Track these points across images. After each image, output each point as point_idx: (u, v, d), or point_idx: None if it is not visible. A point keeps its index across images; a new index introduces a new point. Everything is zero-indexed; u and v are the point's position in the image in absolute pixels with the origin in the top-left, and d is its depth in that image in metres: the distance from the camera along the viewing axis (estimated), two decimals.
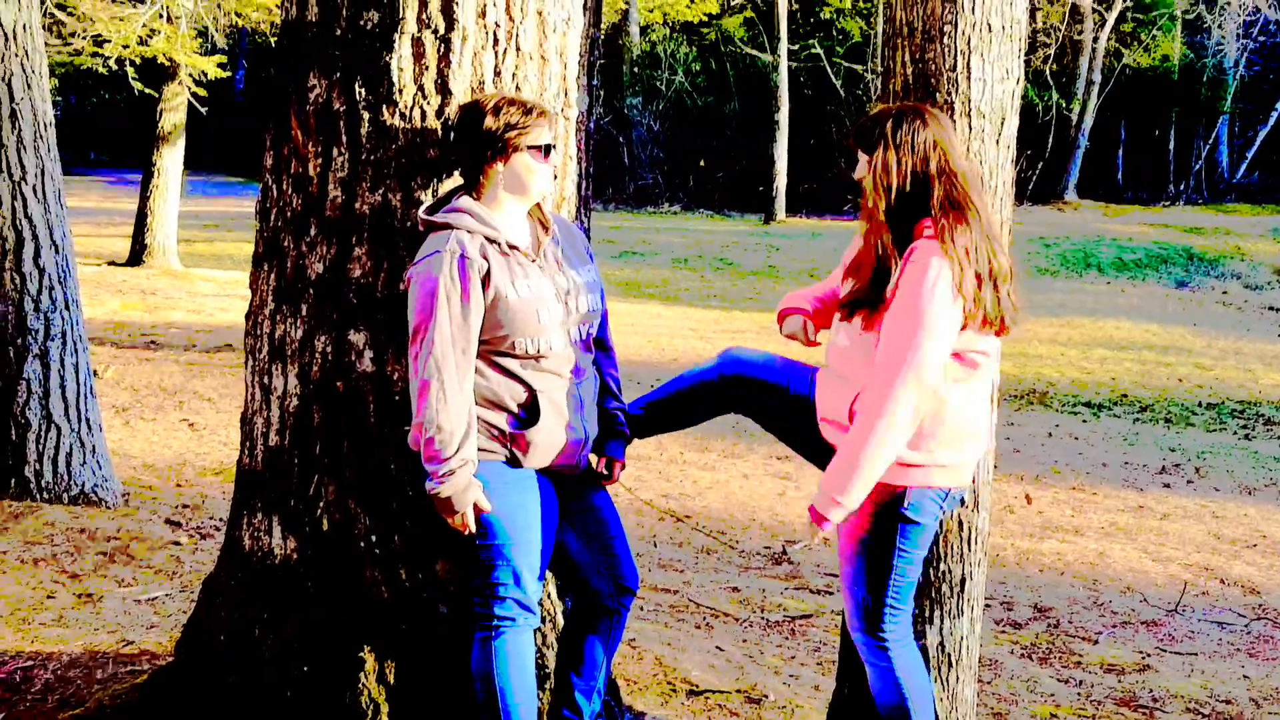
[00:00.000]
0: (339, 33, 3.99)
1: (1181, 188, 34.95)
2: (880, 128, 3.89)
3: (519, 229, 3.81)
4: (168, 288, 17.92)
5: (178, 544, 6.89)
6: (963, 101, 4.21)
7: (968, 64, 4.20)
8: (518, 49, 4.04)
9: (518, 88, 4.03)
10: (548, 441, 3.79)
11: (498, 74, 4.01)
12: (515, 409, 3.74)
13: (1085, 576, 7.93)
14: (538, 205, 3.87)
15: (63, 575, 6.17)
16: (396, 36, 3.93)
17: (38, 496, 7.34)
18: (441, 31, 3.94)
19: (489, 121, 3.70)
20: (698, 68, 35.85)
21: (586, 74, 4.34)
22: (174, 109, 19.40)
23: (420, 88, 3.94)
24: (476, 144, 3.73)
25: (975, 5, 4.19)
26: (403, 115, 3.93)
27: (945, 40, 4.19)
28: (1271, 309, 21.18)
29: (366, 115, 3.96)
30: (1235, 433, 12.66)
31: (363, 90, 3.96)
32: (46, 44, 11.11)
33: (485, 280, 3.65)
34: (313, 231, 4.06)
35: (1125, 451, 11.60)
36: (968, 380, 3.89)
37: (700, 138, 35.07)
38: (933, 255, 3.76)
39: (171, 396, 11.20)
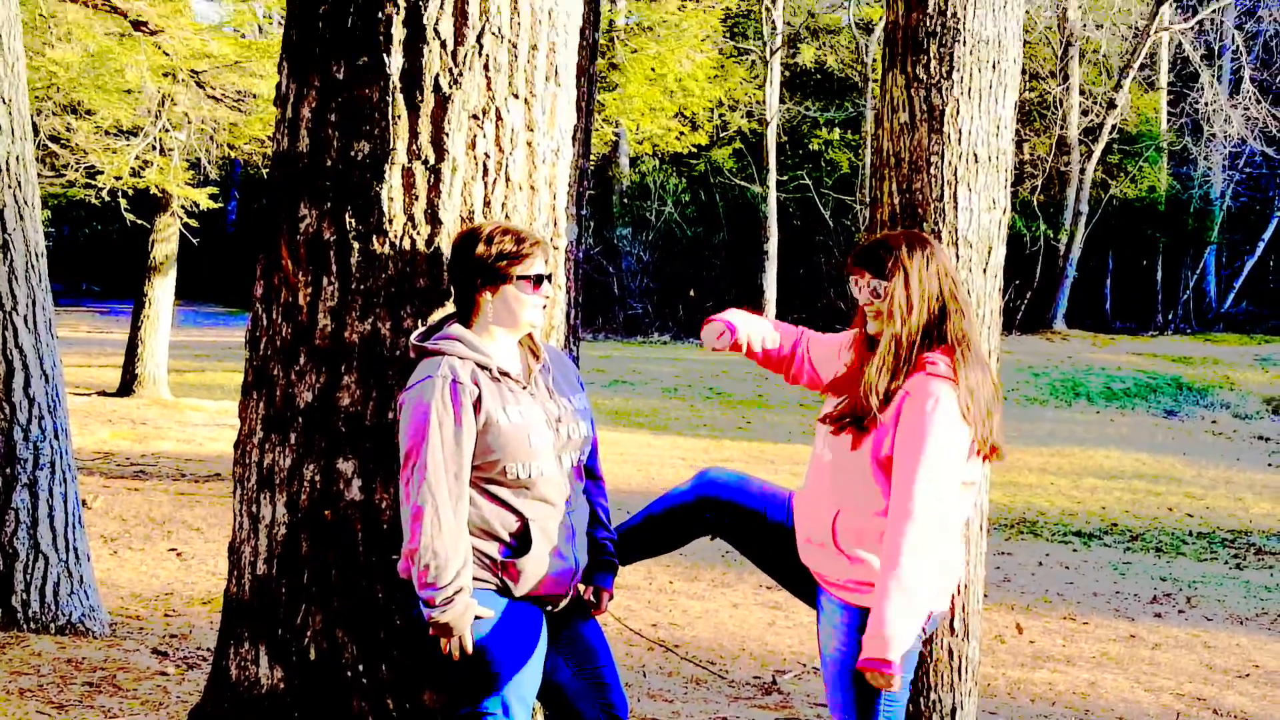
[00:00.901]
0: (330, 163, 4.04)
1: (1170, 317, 35.18)
2: (896, 254, 3.90)
3: (510, 356, 3.83)
4: (158, 417, 17.90)
5: (165, 674, 6.81)
6: (950, 231, 4.25)
7: (954, 194, 4.26)
8: (507, 179, 4.08)
9: (507, 217, 4.06)
10: (539, 570, 3.76)
11: (487, 204, 4.05)
12: (507, 537, 3.73)
13: (1077, 707, 7.84)
14: (528, 334, 3.89)
15: (49, 706, 6.08)
16: (387, 167, 3.97)
17: (25, 626, 7.27)
18: (432, 162, 3.98)
19: (481, 250, 3.73)
20: (687, 198, 36.20)
21: (575, 204, 4.39)
22: (166, 239, 19.55)
23: (410, 217, 3.97)
24: (469, 272, 3.76)
25: (961, 136, 4.25)
26: (393, 245, 3.96)
27: (932, 170, 4.25)
28: (1261, 438, 21.19)
29: (357, 245, 3.98)
30: (1226, 562, 12.60)
31: (353, 220, 3.99)
32: (40, 175, 11.20)
33: (476, 405, 3.65)
34: (302, 360, 4.06)
35: (1116, 581, 11.54)
36: (956, 506, 3.89)
37: (690, 267, 35.32)
38: (939, 386, 3.78)
39: (160, 526, 11.14)
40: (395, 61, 3.99)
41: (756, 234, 31.49)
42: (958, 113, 4.23)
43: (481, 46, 4.03)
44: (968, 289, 4.24)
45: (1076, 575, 11.69)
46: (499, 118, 4.05)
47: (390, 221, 3.97)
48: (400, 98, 3.98)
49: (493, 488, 3.71)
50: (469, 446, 3.64)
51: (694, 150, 31.75)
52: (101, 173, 17.61)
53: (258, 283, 4.28)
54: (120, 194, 18.27)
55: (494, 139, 4.05)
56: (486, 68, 4.04)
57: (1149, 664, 8.86)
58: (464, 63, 4.01)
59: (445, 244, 3.95)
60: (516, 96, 4.10)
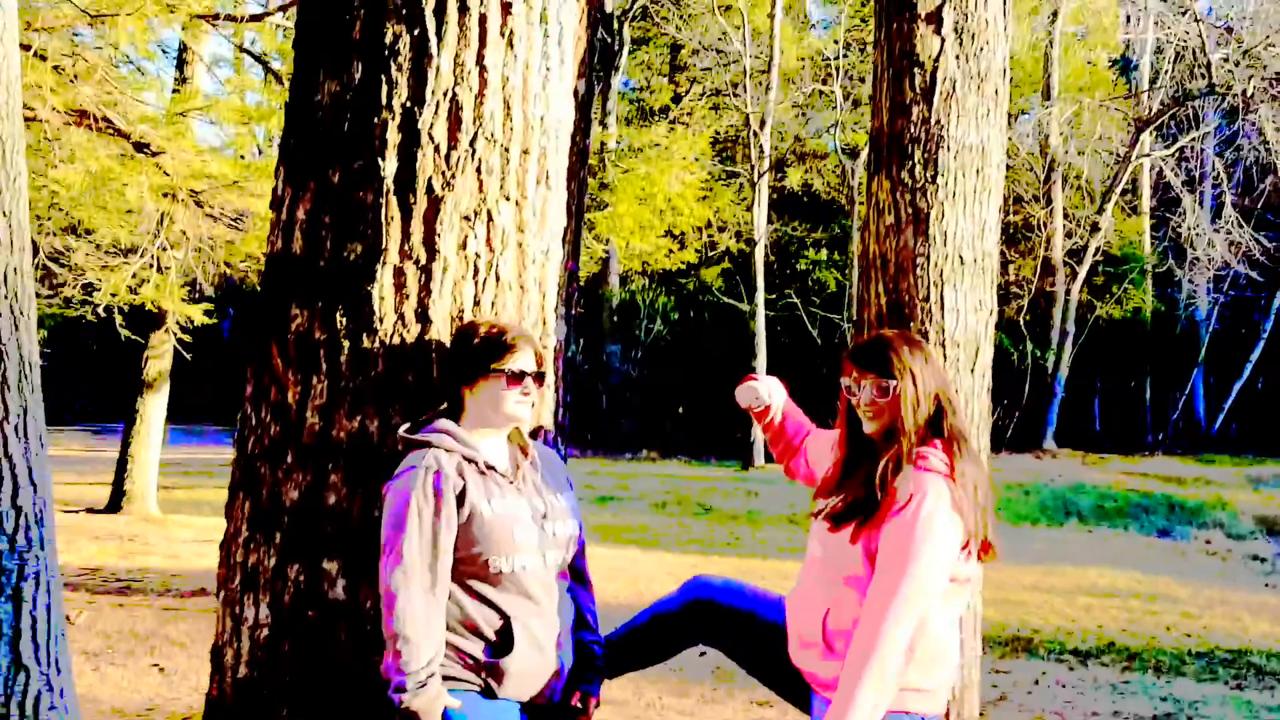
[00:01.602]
0: (323, 264, 4.06)
1: (1160, 437, 35.22)
2: (899, 354, 3.91)
3: (498, 451, 3.84)
4: (145, 533, 17.79)
5: None
6: (937, 331, 4.28)
7: (941, 295, 4.29)
8: (497, 279, 4.11)
9: (496, 316, 4.08)
10: (523, 670, 3.72)
11: (477, 303, 4.07)
12: (491, 635, 3.69)
13: None
14: (517, 430, 3.90)
15: None
16: (379, 267, 3.99)
17: None
18: (423, 262, 4.01)
19: (466, 345, 3.77)
20: (676, 316, 36.39)
21: (565, 304, 4.41)
22: (160, 356, 19.57)
23: (400, 316, 3.99)
24: (454, 367, 3.79)
25: (947, 239, 4.30)
26: (382, 343, 3.97)
27: (918, 272, 4.29)
28: (1256, 558, 21.09)
29: (347, 343, 4.00)
30: (1227, 682, 12.46)
31: (344, 319, 4.01)
32: (38, 294, 11.23)
33: (461, 498, 3.65)
34: (290, 459, 4.06)
35: (1115, 700, 11.41)
36: (947, 605, 3.87)
37: (678, 384, 35.40)
38: (930, 482, 3.77)
39: (143, 642, 11.02)
40: (390, 165, 4.03)
41: (745, 352, 31.58)
42: (943, 216, 4.28)
43: (474, 150, 4.08)
44: (955, 388, 4.26)
45: (1075, 694, 11.56)
46: (490, 219, 4.09)
47: (381, 320, 3.98)
48: (394, 200, 4.02)
49: (476, 584, 3.68)
50: (448, 539, 3.63)
51: (683, 267, 32.02)
52: (99, 289, 17.67)
53: (248, 383, 4.28)
54: (117, 310, 18.33)
55: (485, 239, 4.09)
56: (479, 171, 4.09)
57: None
58: (457, 166, 4.06)
59: (435, 342, 3.97)
60: (508, 199, 4.14)
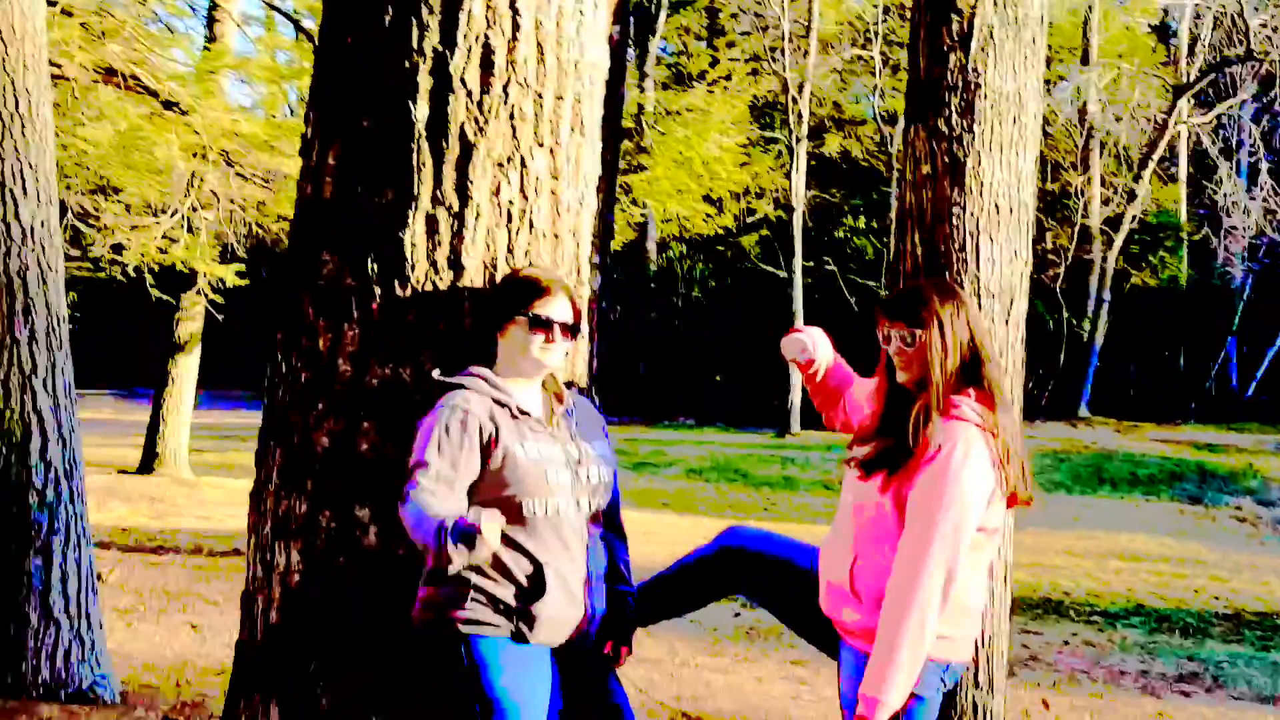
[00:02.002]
0: (353, 210, 4.04)
1: (1193, 405, 35.00)
2: (928, 303, 3.88)
3: (531, 398, 3.83)
4: (177, 495, 17.86)
5: None
6: (972, 281, 4.25)
7: (977, 245, 4.25)
8: (531, 226, 4.08)
9: (530, 264, 4.05)
10: (555, 616, 3.70)
11: (510, 251, 4.04)
12: (522, 580, 3.67)
13: None
14: (553, 377, 3.88)
15: None
16: (410, 213, 3.97)
17: (33, 694, 7.18)
18: (455, 209, 3.98)
19: (499, 292, 3.76)
20: (713, 284, 36.30)
21: (600, 254, 4.37)
22: (191, 318, 19.58)
23: (433, 263, 3.97)
24: (487, 314, 3.77)
25: (983, 188, 4.25)
26: (414, 290, 3.95)
27: (954, 221, 4.25)
28: None
29: (378, 290, 3.97)
30: (1253, 643, 12.44)
31: (375, 266, 3.98)
32: (68, 256, 11.20)
33: (494, 442, 3.64)
34: (321, 406, 4.04)
35: (1143, 660, 11.39)
36: (975, 555, 3.84)
37: (715, 351, 35.35)
38: (967, 434, 3.74)
39: (175, 599, 11.08)
40: (421, 110, 4.00)
41: (783, 319, 31.45)
42: (979, 165, 4.24)
43: (507, 96, 4.05)
44: (990, 339, 4.23)
45: (1103, 654, 11.55)
46: (524, 166, 4.06)
47: (413, 267, 3.96)
48: (425, 145, 3.99)
49: (508, 528, 3.65)
50: (467, 467, 3.62)
51: (720, 233, 31.91)
52: (128, 249, 17.67)
53: (277, 331, 4.27)
54: (146, 270, 18.34)
55: (518, 187, 4.05)
56: (512, 117, 4.05)
57: None
58: (489, 112, 4.03)
59: (468, 289, 3.94)
60: (541, 145, 4.11)
